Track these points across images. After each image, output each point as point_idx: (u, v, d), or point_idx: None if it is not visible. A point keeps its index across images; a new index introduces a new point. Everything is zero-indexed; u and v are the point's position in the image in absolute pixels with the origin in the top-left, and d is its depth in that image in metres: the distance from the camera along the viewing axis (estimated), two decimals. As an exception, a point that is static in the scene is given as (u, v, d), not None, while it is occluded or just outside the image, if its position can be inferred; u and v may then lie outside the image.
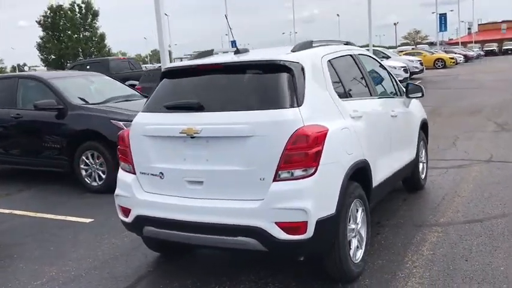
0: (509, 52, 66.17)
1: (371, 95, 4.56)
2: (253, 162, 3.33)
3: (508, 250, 4.11)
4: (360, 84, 4.52)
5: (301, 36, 71.52)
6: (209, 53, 4.33)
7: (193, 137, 3.49)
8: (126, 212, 3.89)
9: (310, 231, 3.24)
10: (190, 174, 3.55)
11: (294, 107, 3.36)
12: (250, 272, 4.01)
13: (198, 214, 3.47)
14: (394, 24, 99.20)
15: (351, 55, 4.55)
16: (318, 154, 3.27)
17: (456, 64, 38.34)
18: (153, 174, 3.73)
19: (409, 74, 21.37)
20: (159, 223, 3.65)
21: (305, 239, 3.25)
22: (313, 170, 3.27)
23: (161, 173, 3.68)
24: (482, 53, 58.78)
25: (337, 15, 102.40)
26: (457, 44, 65.12)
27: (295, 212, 3.24)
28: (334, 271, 3.62)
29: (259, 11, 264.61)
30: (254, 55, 3.99)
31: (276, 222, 3.25)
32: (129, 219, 3.86)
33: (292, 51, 3.79)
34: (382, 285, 3.66)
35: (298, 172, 3.27)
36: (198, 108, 3.54)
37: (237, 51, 4.05)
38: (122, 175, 3.97)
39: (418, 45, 71.24)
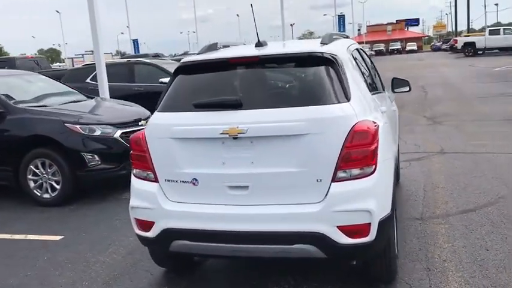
0: (395, 52, 71.63)
1: (383, 90, 4.50)
2: (308, 162, 3.08)
3: (517, 236, 4.28)
4: (372, 78, 4.44)
5: (200, 36, 71.04)
6: (214, 47, 3.96)
7: (236, 138, 3.15)
8: (147, 225, 3.42)
9: (373, 234, 3.06)
10: (233, 179, 3.20)
11: (345, 102, 3.16)
12: (269, 281, 3.75)
13: (245, 223, 3.14)
14: (291, 25, 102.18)
15: (357, 49, 4.44)
16: (376, 151, 3.11)
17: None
18: (183, 181, 3.31)
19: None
20: (194, 236, 3.25)
21: (367, 242, 3.07)
22: (373, 168, 3.10)
23: (195, 179, 3.28)
24: (373, 52, 62.78)
25: (237, 15, 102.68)
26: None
27: (359, 213, 3.04)
28: (382, 272, 3.48)
29: (153, 10, 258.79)
30: (284, 48, 3.72)
31: (337, 226, 3.03)
32: (151, 234, 3.40)
33: (323, 43, 3.57)
34: (426, 282, 3.60)
35: (356, 171, 3.08)
36: (237, 105, 3.20)
37: (259, 44, 3.74)
38: (139, 184, 3.49)
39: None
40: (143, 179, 3.48)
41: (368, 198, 3.06)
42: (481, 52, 39.32)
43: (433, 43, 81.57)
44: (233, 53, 3.64)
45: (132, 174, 3.58)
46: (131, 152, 3.55)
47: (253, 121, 3.12)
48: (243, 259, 3.87)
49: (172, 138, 3.31)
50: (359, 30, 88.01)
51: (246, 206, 3.18)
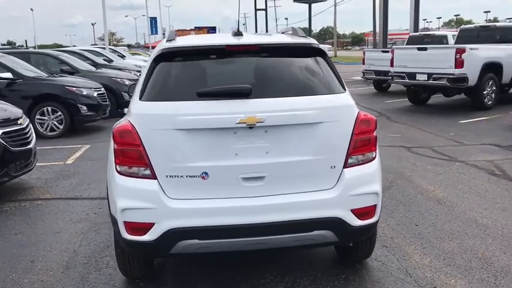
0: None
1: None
2: (323, 150, 3.15)
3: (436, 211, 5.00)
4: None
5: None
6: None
7: (252, 128, 3.04)
8: (143, 228, 3.05)
9: (377, 214, 3.29)
10: (248, 170, 3.07)
11: (346, 91, 3.33)
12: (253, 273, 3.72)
13: (262, 214, 3.05)
14: (92, 24, 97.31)
15: None
16: (376, 138, 3.34)
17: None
18: (190, 176, 3.05)
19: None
20: (207, 233, 3.03)
21: (373, 223, 3.28)
22: (374, 154, 3.32)
23: (205, 172, 3.05)
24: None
25: (31, 9, 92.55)
26: (148, 47, 67.90)
27: (369, 196, 3.22)
28: (365, 252, 3.73)
29: None
30: (274, 38, 3.68)
31: (351, 210, 3.17)
32: (150, 237, 3.04)
33: (301, 36, 3.68)
34: (392, 258, 3.96)
35: (361, 157, 3.26)
36: (248, 94, 3.08)
37: (238, 33, 3.63)
38: (129, 182, 3.08)
39: (116, 47, 71.72)
40: (134, 177, 3.09)
41: (374, 181, 3.27)
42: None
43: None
44: (224, 40, 3.48)
45: (113, 172, 3.15)
46: (114, 146, 3.12)
47: (270, 110, 3.05)
48: (259, 251, 3.71)
49: (176, 130, 3.02)
50: (164, 34, 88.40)
51: (263, 197, 3.08)
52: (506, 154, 7.54)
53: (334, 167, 3.17)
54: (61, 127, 9.90)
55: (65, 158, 7.94)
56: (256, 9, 54.91)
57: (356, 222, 3.18)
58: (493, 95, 12.25)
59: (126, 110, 3.47)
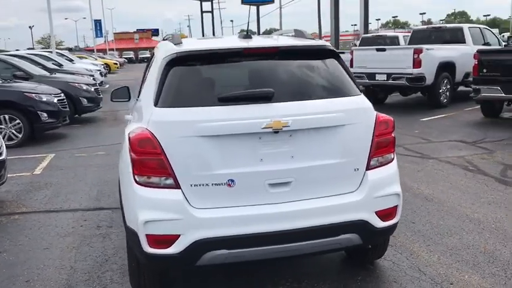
0: (145, 60, 72.69)
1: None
2: (346, 152, 3.12)
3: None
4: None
5: None
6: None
7: (277, 132, 2.97)
8: (168, 241, 2.91)
9: (398, 215, 3.30)
10: (274, 175, 3.00)
11: (360, 94, 3.32)
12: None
13: (290, 220, 2.98)
14: (30, 27, 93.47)
15: None
16: (394, 139, 3.35)
17: (118, 68, 39.87)
18: (216, 184, 2.94)
19: (103, 77, 21.06)
20: (235, 243, 2.93)
21: (395, 224, 3.29)
22: (393, 155, 3.34)
23: (231, 180, 2.95)
24: (126, 60, 62.45)
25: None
26: (92, 50, 66.44)
27: (391, 197, 3.23)
28: (380, 253, 3.75)
29: None
30: (289, 41, 3.61)
31: (376, 212, 3.17)
32: (174, 250, 2.90)
33: (308, 38, 3.67)
34: (401, 256, 4.01)
35: (382, 159, 3.26)
36: (269, 98, 3.01)
37: (248, 36, 3.56)
38: (151, 193, 2.93)
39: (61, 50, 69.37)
40: (155, 187, 2.94)
41: (395, 182, 3.28)
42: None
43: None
44: (236, 43, 3.40)
45: (131, 183, 2.98)
46: (132, 156, 2.96)
47: (294, 113, 3.00)
48: (286, 260, 3.61)
49: (200, 137, 2.91)
50: (105, 37, 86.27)
51: (289, 202, 3.02)
52: (473, 150, 7.85)
53: (358, 169, 3.16)
54: (20, 136, 9.34)
55: (31, 169, 7.51)
56: (202, 12, 54.60)
57: (379, 223, 3.17)
58: (448, 93, 12.77)
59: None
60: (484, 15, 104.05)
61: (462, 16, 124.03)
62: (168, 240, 2.92)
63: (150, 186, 2.95)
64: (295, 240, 3.01)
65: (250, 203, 2.98)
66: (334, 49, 3.45)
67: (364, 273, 3.74)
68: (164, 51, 3.34)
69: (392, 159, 3.33)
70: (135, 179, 2.97)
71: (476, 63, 10.29)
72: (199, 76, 3.21)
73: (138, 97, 4.07)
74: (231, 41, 3.69)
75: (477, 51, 10.50)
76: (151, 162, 2.93)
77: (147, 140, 2.93)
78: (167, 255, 2.93)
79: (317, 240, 3.06)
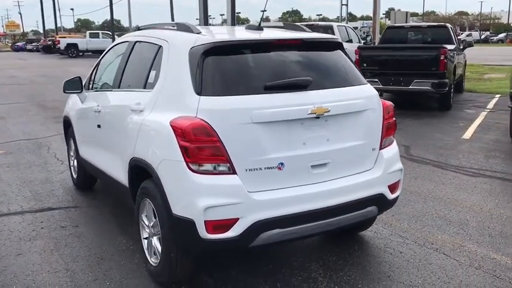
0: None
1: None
2: (368, 134, 3.51)
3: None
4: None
5: None
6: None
7: (318, 118, 3.23)
8: (227, 225, 2.99)
9: (400, 188, 3.81)
10: (315, 157, 3.25)
11: (367, 82, 3.74)
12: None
13: (330, 198, 3.27)
14: None
15: None
16: (396, 122, 3.83)
17: None
18: (268, 168, 3.09)
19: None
20: (287, 222, 3.13)
21: (398, 195, 3.79)
22: (393, 137, 3.82)
23: (281, 163, 3.12)
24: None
25: None
26: None
27: (397, 172, 3.70)
28: (369, 225, 4.26)
29: None
30: (305, 34, 3.82)
31: (388, 186, 3.62)
32: (234, 233, 3.00)
33: (308, 31, 3.98)
34: (385, 231, 4.55)
35: (389, 140, 3.72)
36: (307, 86, 3.26)
37: (259, 28, 3.73)
38: (211, 180, 2.99)
39: None
40: (212, 174, 3.00)
41: (398, 159, 3.78)
42: (81, 54, 41.01)
43: (14, 42, 77.41)
44: (278, 35, 3.59)
45: (184, 171, 2.99)
46: (185, 144, 2.98)
47: (332, 100, 3.29)
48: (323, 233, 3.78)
49: (255, 123, 3.04)
50: None
51: (326, 182, 3.30)
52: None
53: (374, 149, 3.58)
54: None
55: None
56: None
57: (390, 196, 3.64)
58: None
59: None
60: (317, 15, 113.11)
61: (296, 15, 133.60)
62: (227, 224, 3.00)
63: (207, 173, 3.00)
64: (335, 215, 3.32)
65: (297, 184, 3.21)
66: (341, 41, 3.81)
67: (359, 245, 4.19)
68: (187, 40, 3.35)
69: (393, 140, 3.81)
70: (189, 167, 2.99)
71: (357, 58, 11.51)
72: (235, 65, 3.30)
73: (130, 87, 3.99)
74: (250, 33, 3.78)
75: (358, 48, 11.74)
76: (208, 150, 2.99)
77: (203, 128, 2.97)
78: (226, 238, 3.01)
79: (351, 214, 3.40)
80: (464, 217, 4.76)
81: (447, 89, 10.83)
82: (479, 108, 11.52)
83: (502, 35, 74.39)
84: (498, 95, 13.45)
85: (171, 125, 3.07)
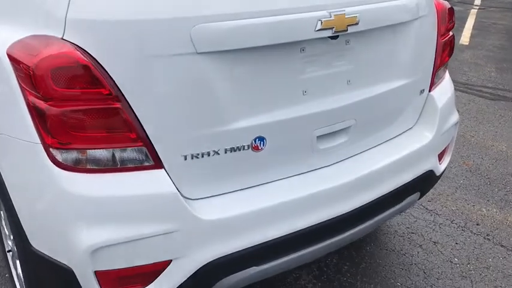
0: None
1: None
2: (415, 66, 1.87)
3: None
4: None
5: None
6: None
7: (336, 37, 1.55)
8: (145, 275, 1.40)
9: (451, 151, 2.27)
10: (326, 119, 1.61)
11: None
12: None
13: (343, 198, 1.67)
14: None
15: None
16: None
17: None
18: (233, 149, 1.44)
19: None
20: (270, 252, 1.56)
21: (446, 166, 2.25)
22: (447, 65, 2.19)
23: (260, 138, 1.48)
24: None
25: None
26: None
27: (452, 129, 2.13)
28: None
29: None
30: None
31: (438, 154, 2.07)
32: None
33: None
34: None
35: (442, 71, 2.12)
36: None
37: None
38: (108, 183, 1.31)
39: None
40: (105, 171, 1.33)
41: (454, 106, 2.19)
42: None
43: None
44: None
45: (44, 162, 1.31)
46: (43, 105, 1.26)
47: (361, 1, 1.59)
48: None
49: (200, 54, 1.33)
50: None
51: (344, 165, 1.72)
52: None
53: (423, 91, 1.97)
54: None
55: None
56: None
57: (439, 169, 2.10)
58: None
59: None
60: None
61: None
62: (146, 273, 1.41)
63: (95, 171, 1.32)
64: (356, 224, 1.77)
65: (290, 174, 1.61)
66: None
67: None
68: None
69: (446, 71, 2.20)
70: (52, 157, 1.30)
71: None
72: None
73: None
74: None
75: None
76: (94, 117, 1.29)
77: (78, 67, 1.24)
78: None
79: (379, 217, 1.86)
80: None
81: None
82: (467, 5, 9.90)
83: None
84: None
85: (8, 57, 1.33)
